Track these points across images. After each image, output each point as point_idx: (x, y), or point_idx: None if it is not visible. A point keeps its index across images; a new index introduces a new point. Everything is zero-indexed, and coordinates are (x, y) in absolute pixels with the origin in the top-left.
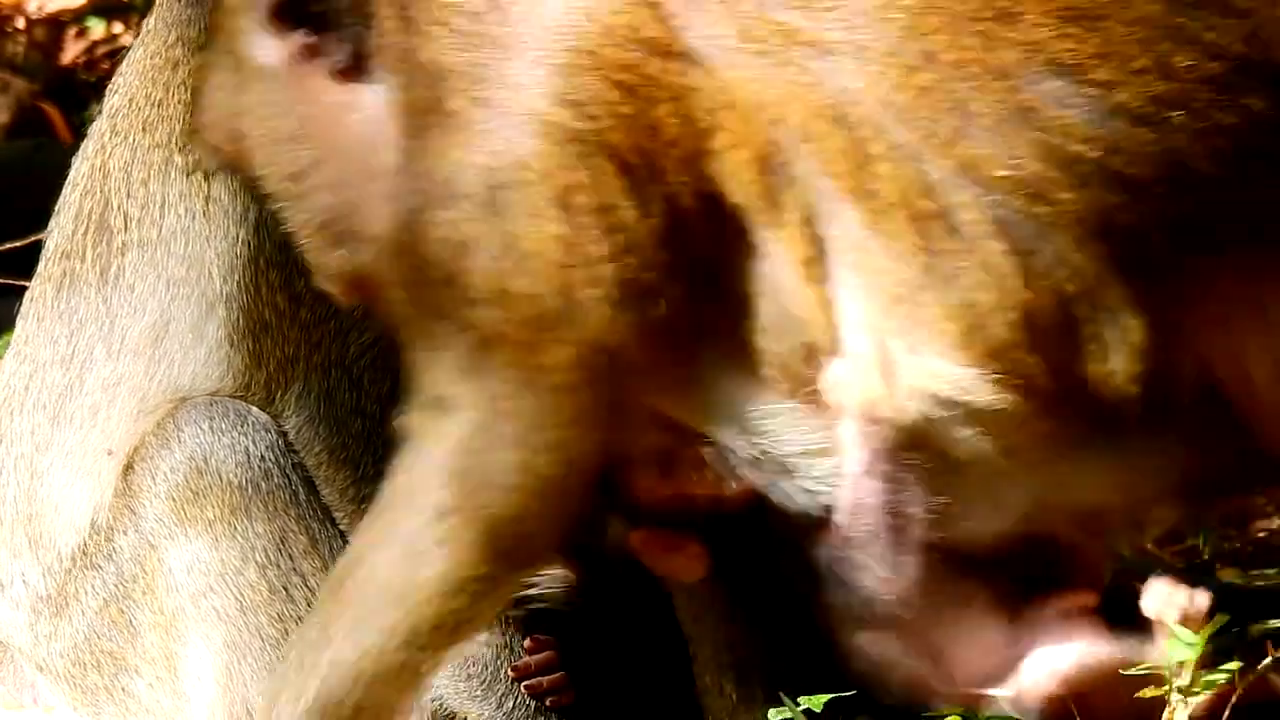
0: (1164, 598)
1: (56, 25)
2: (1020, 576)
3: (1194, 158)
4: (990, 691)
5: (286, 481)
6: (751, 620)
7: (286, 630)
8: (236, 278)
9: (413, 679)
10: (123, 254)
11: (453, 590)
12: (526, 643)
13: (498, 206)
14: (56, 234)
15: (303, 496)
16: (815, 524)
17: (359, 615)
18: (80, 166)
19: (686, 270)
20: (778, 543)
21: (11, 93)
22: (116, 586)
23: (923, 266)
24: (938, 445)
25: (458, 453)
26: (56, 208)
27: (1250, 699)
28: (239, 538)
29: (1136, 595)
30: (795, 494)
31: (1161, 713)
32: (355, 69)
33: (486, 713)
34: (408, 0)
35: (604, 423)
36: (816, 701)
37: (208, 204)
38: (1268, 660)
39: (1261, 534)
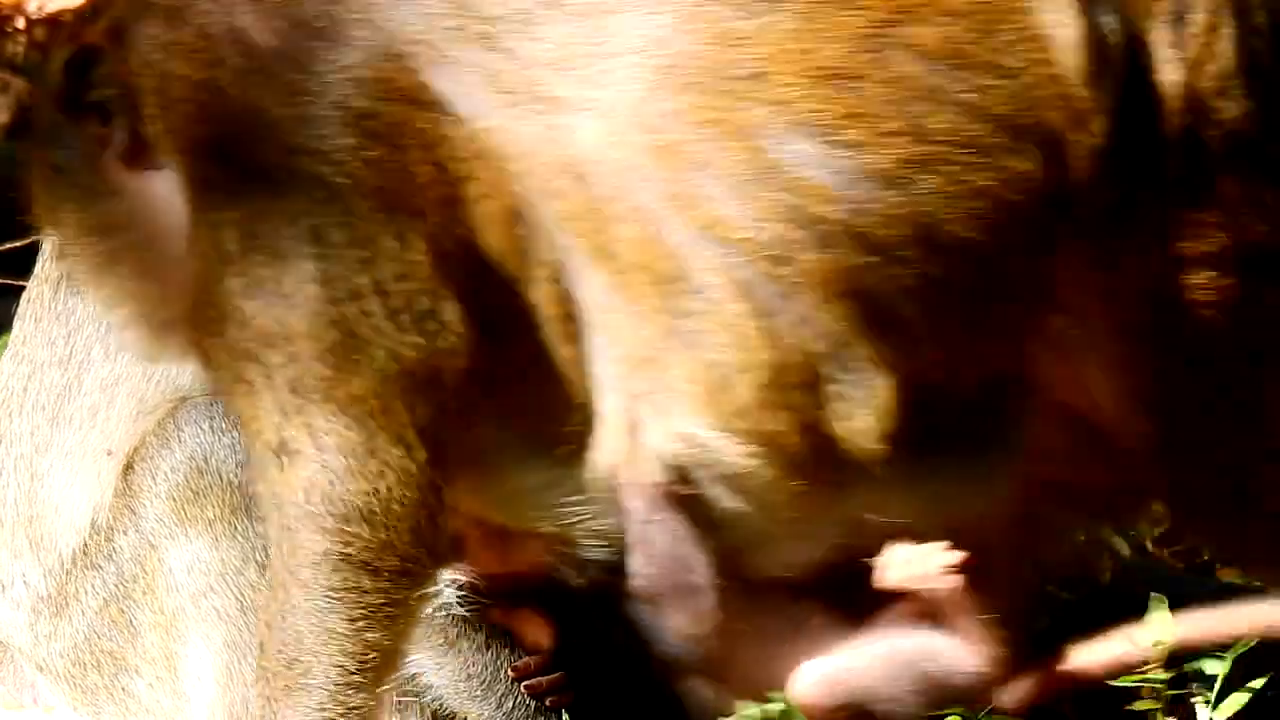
0: (902, 564)
1: (56, 25)
2: (827, 594)
3: (949, 220)
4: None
5: None
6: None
7: None
8: None
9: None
10: None
11: (363, 624)
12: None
13: (274, 253)
14: None
15: None
16: (613, 579)
17: (291, 684)
18: None
19: (472, 307)
20: (600, 603)
21: (11, 93)
22: (117, 586)
23: (665, 328)
24: (698, 501)
25: (309, 497)
26: None
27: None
28: (239, 537)
29: (1137, 595)
30: (589, 552)
31: None
32: (140, 155)
33: (486, 713)
34: (164, 83)
35: (429, 435)
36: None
37: None
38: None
39: None
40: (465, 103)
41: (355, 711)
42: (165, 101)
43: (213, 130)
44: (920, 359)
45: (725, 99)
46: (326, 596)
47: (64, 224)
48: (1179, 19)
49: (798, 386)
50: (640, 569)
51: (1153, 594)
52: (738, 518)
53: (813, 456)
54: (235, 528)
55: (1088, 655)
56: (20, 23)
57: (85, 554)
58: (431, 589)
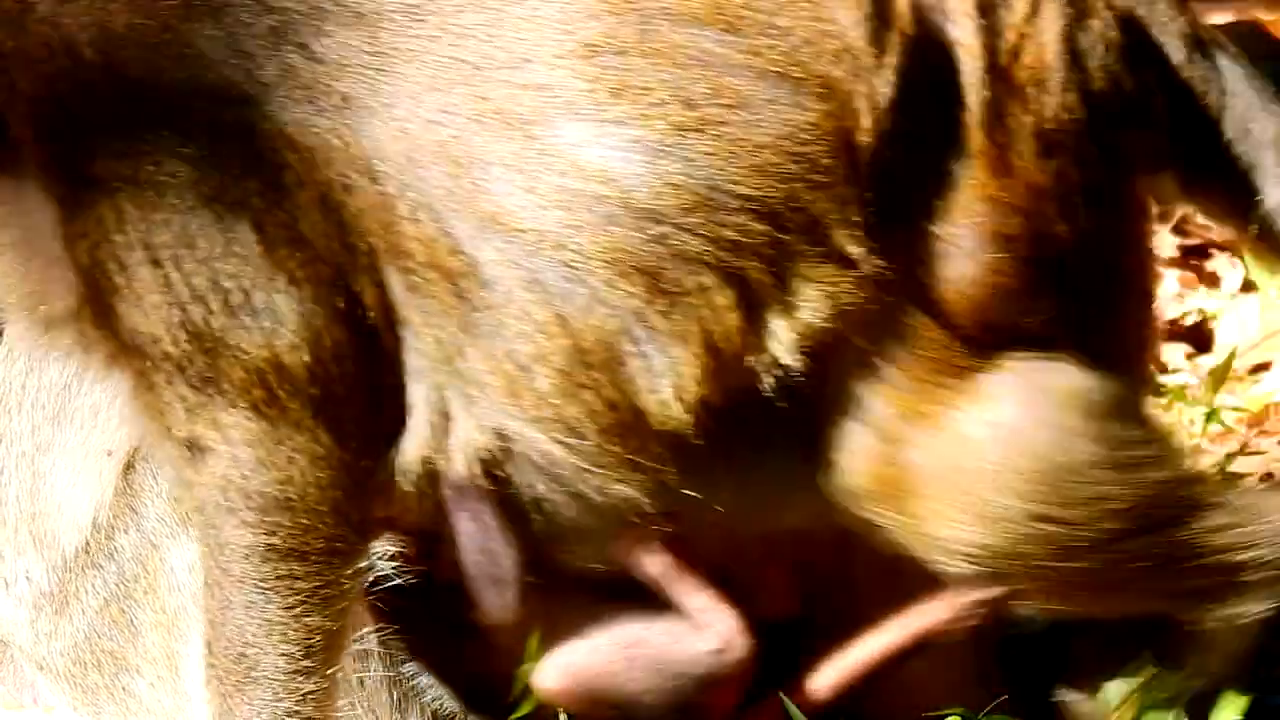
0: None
1: None
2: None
3: (732, 180)
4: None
5: None
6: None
7: None
8: None
9: (322, 704)
10: None
11: (300, 610)
12: None
13: (119, 261)
14: None
15: None
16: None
17: (243, 679)
18: None
19: (314, 295)
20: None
21: None
22: (118, 585)
23: (462, 322)
24: (513, 490)
25: (226, 493)
26: None
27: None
28: None
29: None
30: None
31: None
32: (8, 159)
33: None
34: (12, 93)
35: (329, 417)
36: None
37: None
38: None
39: None
40: (271, 100)
41: (309, 697)
42: (16, 111)
43: (54, 141)
44: (720, 323)
45: (495, 88)
46: (260, 588)
47: None
48: None
49: (597, 367)
50: (451, 558)
51: None
52: (551, 507)
53: (623, 436)
54: None
55: (884, 637)
56: None
57: (86, 553)
58: (364, 564)
